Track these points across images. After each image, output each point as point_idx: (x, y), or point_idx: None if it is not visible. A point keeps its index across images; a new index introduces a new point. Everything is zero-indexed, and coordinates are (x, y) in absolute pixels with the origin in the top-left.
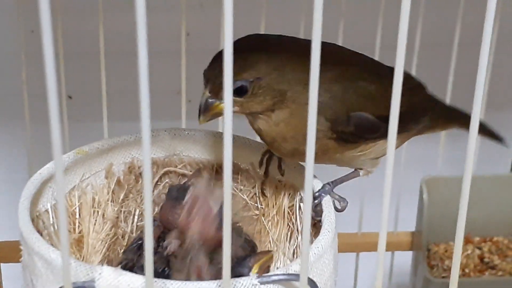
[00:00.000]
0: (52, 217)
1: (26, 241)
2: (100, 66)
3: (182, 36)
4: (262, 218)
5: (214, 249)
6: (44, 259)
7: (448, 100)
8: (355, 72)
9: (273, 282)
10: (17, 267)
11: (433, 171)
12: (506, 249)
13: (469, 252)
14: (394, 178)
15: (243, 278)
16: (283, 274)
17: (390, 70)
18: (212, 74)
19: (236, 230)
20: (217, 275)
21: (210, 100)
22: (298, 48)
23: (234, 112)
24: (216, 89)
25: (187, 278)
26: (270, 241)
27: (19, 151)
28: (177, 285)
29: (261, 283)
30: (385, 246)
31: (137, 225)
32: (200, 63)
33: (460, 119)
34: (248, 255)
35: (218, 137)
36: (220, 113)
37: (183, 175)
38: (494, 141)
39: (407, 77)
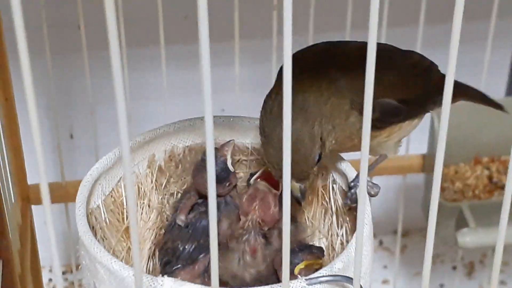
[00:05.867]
0: (103, 212)
1: (88, 250)
2: None
3: None
4: None
5: (270, 228)
6: (107, 268)
7: None
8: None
9: (320, 283)
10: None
11: None
12: None
13: (478, 173)
14: None
15: (293, 281)
16: (329, 276)
17: (402, 54)
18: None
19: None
20: (270, 256)
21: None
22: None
23: None
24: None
25: (241, 257)
26: (305, 219)
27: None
28: None
29: (309, 284)
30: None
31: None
32: None
33: (468, 92)
34: (306, 246)
35: (252, 122)
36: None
37: None
38: (495, 109)
39: (419, 58)
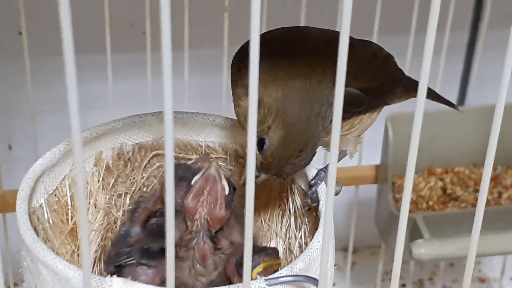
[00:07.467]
0: (47, 212)
1: (30, 249)
2: None
3: None
4: None
5: (219, 229)
6: (50, 269)
7: None
8: (331, 53)
9: (281, 283)
10: None
11: (396, 108)
12: (467, 179)
13: (432, 183)
14: None
15: (252, 282)
16: (290, 276)
17: (362, 44)
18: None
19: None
20: (221, 265)
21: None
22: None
23: None
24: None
25: (192, 266)
26: (262, 221)
27: None
28: None
29: (269, 285)
30: None
31: (128, 209)
32: None
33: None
34: (261, 249)
35: (206, 118)
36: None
37: (175, 158)
38: (448, 106)
39: (377, 48)
